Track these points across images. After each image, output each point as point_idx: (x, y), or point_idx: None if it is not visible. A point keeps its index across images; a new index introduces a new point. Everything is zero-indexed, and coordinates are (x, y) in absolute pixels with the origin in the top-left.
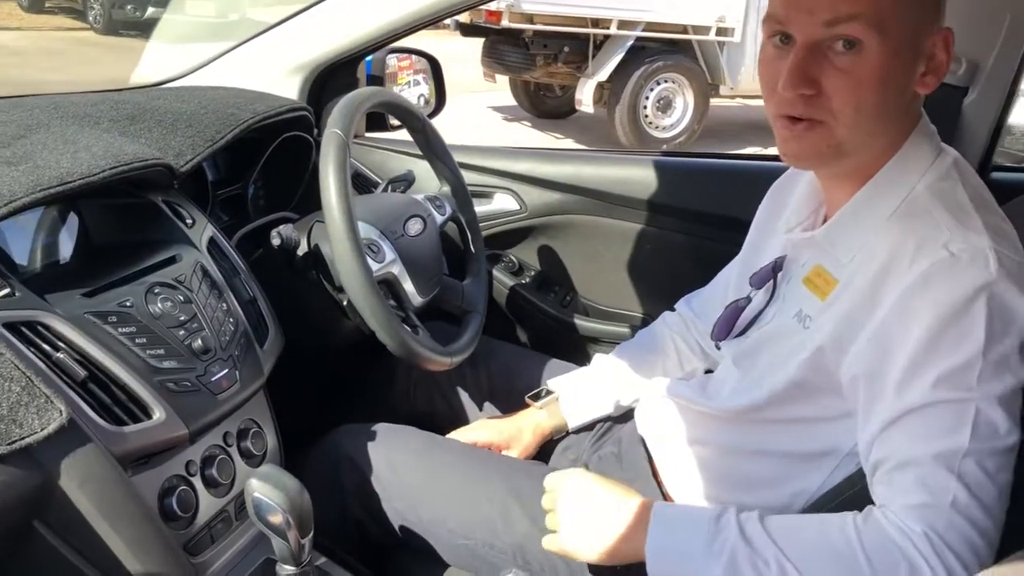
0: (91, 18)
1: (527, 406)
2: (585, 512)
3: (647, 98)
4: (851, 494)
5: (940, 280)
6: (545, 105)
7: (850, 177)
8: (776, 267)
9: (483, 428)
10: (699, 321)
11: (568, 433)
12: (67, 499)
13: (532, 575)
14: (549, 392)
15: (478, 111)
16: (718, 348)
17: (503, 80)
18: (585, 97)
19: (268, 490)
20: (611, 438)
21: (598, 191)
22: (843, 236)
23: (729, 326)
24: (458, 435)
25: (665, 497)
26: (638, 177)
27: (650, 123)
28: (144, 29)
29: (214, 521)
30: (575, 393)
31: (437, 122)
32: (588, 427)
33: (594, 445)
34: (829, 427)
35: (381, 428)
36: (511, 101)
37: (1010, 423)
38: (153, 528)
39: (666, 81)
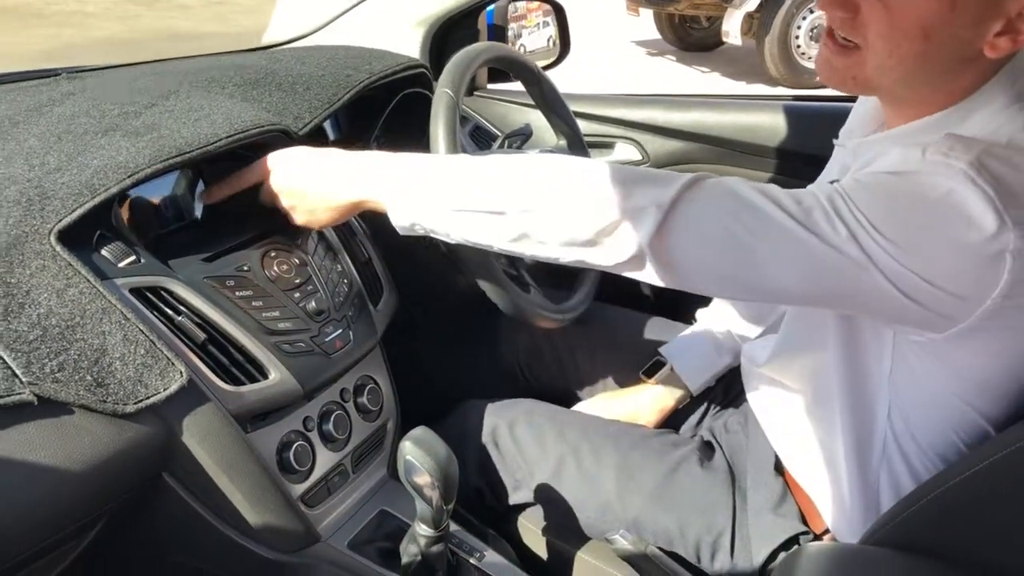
0: None
1: (640, 382)
2: (306, 173)
3: (799, 28)
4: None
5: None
6: (690, 38)
7: (903, 106)
8: None
9: (601, 408)
10: None
11: (692, 397)
12: (189, 454)
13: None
14: (662, 364)
15: (621, 45)
16: None
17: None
18: (732, 28)
19: (419, 454)
20: (738, 402)
21: (723, 139)
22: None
23: None
24: (589, 407)
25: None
26: (765, 123)
27: (802, 54)
28: None
29: (331, 474)
30: (689, 355)
31: (580, 59)
32: (711, 390)
33: (715, 415)
34: None
35: (505, 403)
36: (654, 34)
37: None
38: (270, 482)
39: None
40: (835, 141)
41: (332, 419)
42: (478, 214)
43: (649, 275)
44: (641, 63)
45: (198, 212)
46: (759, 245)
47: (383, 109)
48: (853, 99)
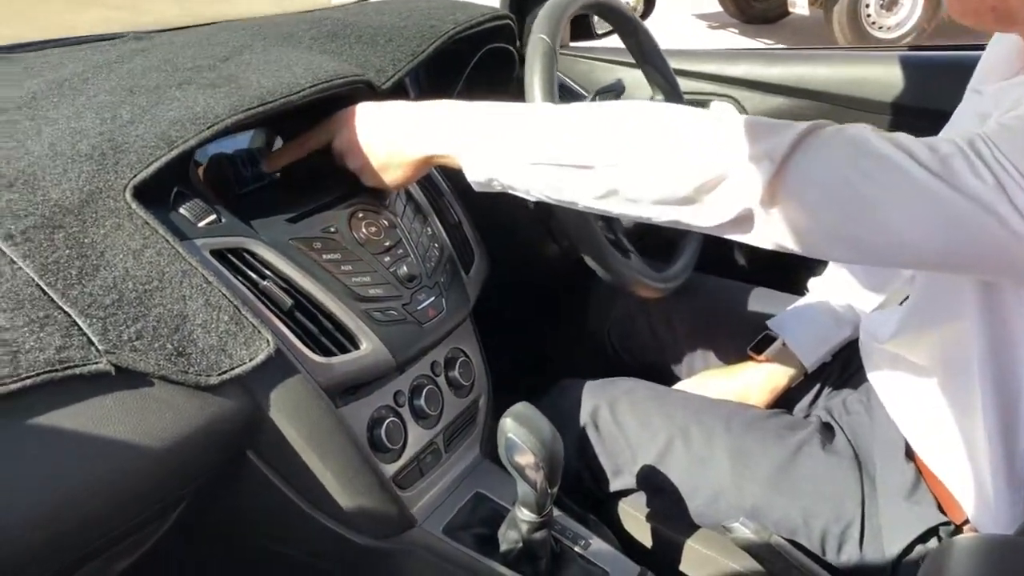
0: None
1: (749, 359)
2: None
3: None
4: None
5: None
6: (753, 10)
7: None
8: None
9: (706, 387)
10: None
11: (807, 374)
12: (277, 430)
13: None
14: (771, 338)
15: (680, 19)
16: None
17: None
18: None
19: (522, 432)
20: (858, 380)
21: (830, 94)
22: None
23: None
24: (690, 386)
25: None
26: (877, 76)
27: (873, 23)
28: None
29: (423, 453)
30: (803, 328)
31: None
32: (826, 367)
33: (831, 394)
34: None
35: (604, 382)
36: (715, 7)
37: None
38: (362, 461)
39: None
40: (969, 86)
41: (424, 394)
42: (561, 168)
43: (757, 236)
44: (702, 36)
45: (272, 174)
46: (886, 199)
47: (465, 65)
48: (979, 46)
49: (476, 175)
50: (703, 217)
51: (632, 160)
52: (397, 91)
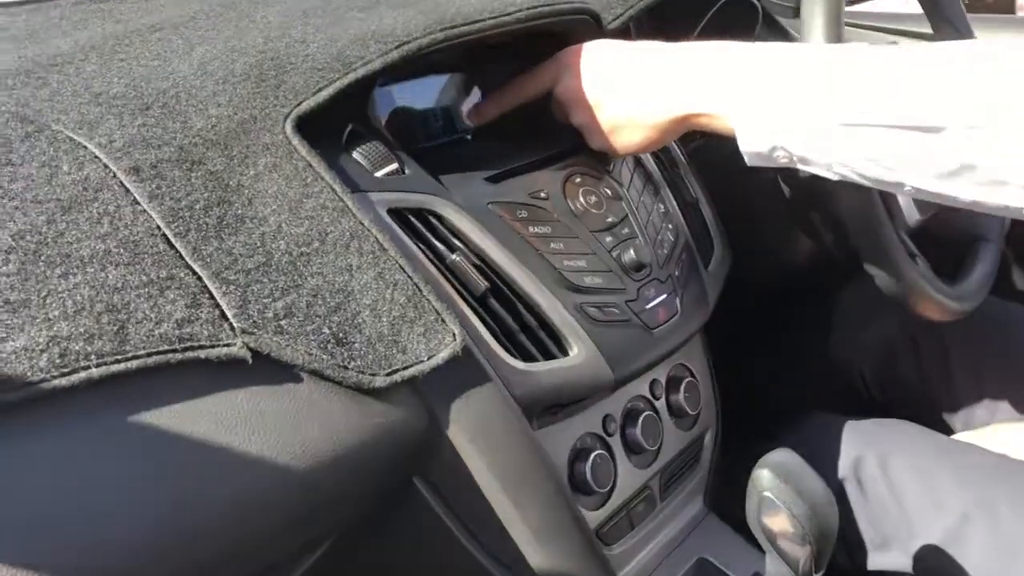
0: None
1: None
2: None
3: None
4: None
5: None
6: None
7: None
8: None
9: (1004, 443)
10: None
11: None
12: (456, 454)
13: None
14: None
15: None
16: None
17: None
18: None
19: (785, 491)
20: None
21: None
22: None
23: None
24: (972, 439)
25: None
26: None
27: None
28: None
29: (634, 500)
30: None
31: None
32: None
33: None
34: None
35: (870, 424)
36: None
37: None
38: (564, 505)
39: None
40: None
41: (640, 421)
42: (890, 131)
43: None
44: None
45: (467, 125)
46: None
47: (699, 14)
48: None
49: (755, 142)
50: None
51: (1010, 119)
52: (620, 35)
